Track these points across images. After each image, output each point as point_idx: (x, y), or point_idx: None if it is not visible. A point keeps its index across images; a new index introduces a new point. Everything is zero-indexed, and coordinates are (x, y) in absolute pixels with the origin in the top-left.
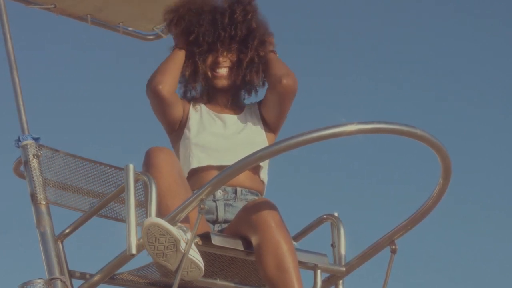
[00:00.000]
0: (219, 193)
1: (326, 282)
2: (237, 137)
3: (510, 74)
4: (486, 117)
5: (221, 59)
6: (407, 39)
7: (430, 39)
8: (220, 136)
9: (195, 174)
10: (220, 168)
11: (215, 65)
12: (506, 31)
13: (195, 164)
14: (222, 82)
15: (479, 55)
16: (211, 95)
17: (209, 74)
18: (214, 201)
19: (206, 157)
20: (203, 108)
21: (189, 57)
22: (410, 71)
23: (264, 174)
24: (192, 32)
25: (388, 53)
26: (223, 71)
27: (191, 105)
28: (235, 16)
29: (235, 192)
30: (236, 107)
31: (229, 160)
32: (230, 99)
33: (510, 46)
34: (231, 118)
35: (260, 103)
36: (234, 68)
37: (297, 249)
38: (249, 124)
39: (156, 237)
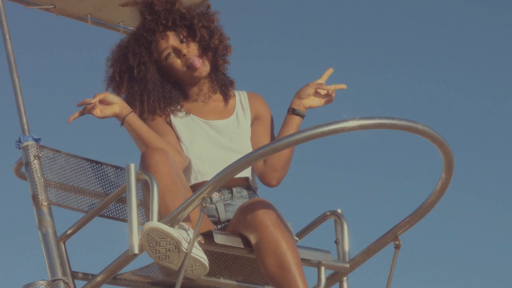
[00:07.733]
0: (215, 195)
1: (330, 279)
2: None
3: None
4: (491, 111)
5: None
6: (410, 34)
7: (436, 32)
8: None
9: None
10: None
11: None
12: None
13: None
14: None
15: (485, 50)
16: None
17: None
18: (213, 203)
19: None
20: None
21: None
22: (416, 66)
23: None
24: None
25: (392, 48)
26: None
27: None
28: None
29: (231, 191)
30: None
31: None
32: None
33: None
34: (220, 124)
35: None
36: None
37: (301, 246)
38: (242, 129)
39: (156, 241)
